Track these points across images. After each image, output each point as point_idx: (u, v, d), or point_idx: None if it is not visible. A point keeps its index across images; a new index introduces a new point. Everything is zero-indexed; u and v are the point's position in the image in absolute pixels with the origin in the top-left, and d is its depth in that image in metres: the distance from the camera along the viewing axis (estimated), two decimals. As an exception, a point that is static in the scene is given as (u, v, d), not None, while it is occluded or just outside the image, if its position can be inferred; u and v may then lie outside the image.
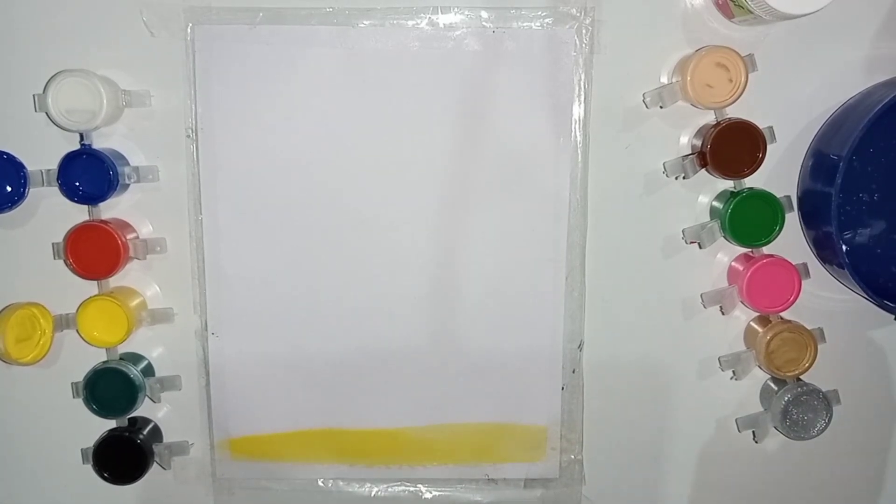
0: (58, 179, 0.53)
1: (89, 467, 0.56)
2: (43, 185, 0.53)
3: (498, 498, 0.59)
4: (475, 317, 0.56)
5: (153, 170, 0.54)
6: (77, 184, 0.53)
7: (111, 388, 0.55)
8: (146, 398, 0.56)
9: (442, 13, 0.53)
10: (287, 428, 0.58)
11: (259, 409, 0.57)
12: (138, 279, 0.56)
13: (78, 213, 0.54)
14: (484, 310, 0.56)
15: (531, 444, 0.58)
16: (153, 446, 0.56)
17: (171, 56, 0.53)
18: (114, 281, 0.55)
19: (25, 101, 0.53)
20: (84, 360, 0.56)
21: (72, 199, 0.53)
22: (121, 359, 0.56)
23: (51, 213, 0.55)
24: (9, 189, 0.53)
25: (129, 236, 0.54)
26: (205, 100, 0.54)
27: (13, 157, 0.53)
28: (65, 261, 0.54)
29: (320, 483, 0.58)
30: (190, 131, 0.54)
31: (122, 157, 0.54)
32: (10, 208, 0.53)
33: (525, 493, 0.59)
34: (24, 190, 0.53)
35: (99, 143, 0.54)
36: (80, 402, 0.55)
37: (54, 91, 0.51)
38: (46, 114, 0.52)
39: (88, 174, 0.53)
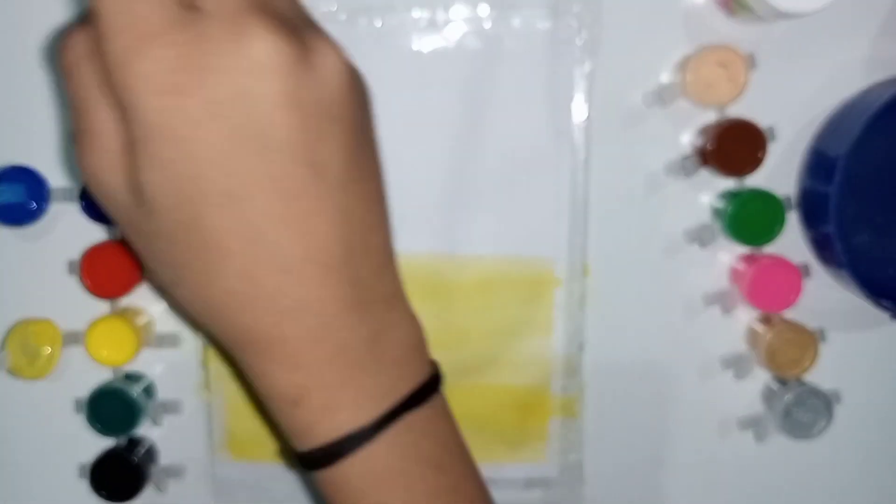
0: (80, 199, 0.53)
1: (85, 481, 0.56)
2: (64, 202, 0.54)
3: (498, 498, 0.59)
4: (475, 316, 0.56)
5: None
6: None
7: (113, 408, 0.55)
8: (148, 418, 0.56)
9: (442, 11, 0.53)
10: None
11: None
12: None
13: (95, 231, 0.54)
14: (484, 309, 0.56)
15: (531, 444, 0.58)
16: (150, 467, 0.56)
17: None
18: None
19: (52, 117, 0.53)
20: (86, 373, 0.56)
21: (93, 219, 0.53)
22: (125, 377, 0.56)
23: (68, 228, 0.55)
24: (30, 204, 0.53)
25: None
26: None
27: (36, 172, 0.53)
28: (80, 279, 0.54)
29: (320, 484, 0.58)
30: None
31: None
32: (30, 223, 0.53)
33: (525, 494, 0.59)
34: (46, 205, 0.53)
35: None
36: (80, 416, 0.55)
37: None
38: None
39: None
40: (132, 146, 0.32)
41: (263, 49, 0.30)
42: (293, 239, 0.33)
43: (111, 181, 0.34)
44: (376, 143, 0.37)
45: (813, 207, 0.54)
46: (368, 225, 0.36)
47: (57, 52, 0.35)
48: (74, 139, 0.35)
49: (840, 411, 0.55)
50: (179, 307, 0.36)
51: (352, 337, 0.35)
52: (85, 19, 0.34)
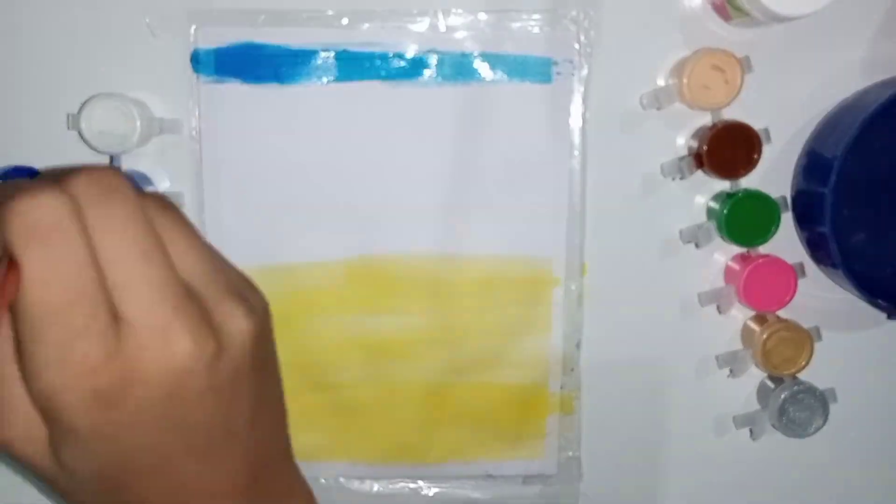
0: None
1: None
2: None
3: (497, 494, 0.59)
4: (474, 315, 0.57)
5: (178, 196, 0.55)
6: None
7: None
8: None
9: (442, 16, 0.54)
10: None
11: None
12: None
13: None
14: (483, 308, 0.57)
15: (530, 440, 0.58)
16: None
17: (174, 57, 0.54)
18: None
19: (52, 117, 0.54)
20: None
21: None
22: None
23: None
24: None
25: None
26: (207, 100, 0.54)
27: (37, 172, 0.53)
28: None
29: (322, 481, 0.59)
30: (193, 131, 0.55)
31: (147, 180, 0.55)
32: None
33: (524, 490, 0.59)
34: None
35: (127, 164, 0.54)
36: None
37: (88, 112, 0.52)
38: (79, 133, 0.52)
39: None
40: (53, 436, 0.33)
41: (187, 355, 0.32)
42: (204, 482, 0.35)
43: (27, 450, 0.34)
44: (277, 363, 0.39)
45: (808, 208, 0.54)
46: (272, 449, 0.38)
47: None
48: None
49: (835, 409, 0.56)
50: None
51: None
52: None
